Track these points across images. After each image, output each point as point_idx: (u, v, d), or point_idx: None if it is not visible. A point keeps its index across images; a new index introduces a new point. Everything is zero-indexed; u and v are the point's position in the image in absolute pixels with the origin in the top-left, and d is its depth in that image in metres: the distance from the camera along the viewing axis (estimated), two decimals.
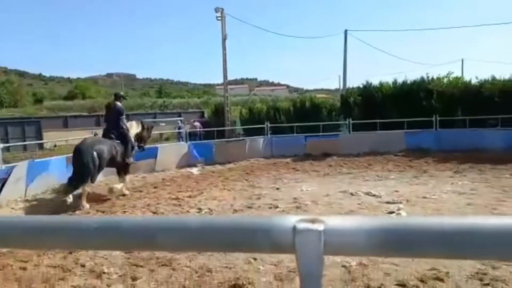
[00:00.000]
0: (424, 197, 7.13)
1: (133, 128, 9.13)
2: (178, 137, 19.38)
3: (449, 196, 7.21)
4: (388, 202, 6.83)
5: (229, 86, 22.38)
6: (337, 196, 7.65)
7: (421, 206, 6.50)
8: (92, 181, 7.65)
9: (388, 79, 16.95)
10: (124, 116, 8.76)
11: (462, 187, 8.07)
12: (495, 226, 0.45)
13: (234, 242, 0.52)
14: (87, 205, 7.38)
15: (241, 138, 16.62)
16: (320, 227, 0.48)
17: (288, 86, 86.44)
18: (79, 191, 7.46)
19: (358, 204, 6.92)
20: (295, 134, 15.76)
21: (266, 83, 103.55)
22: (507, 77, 14.46)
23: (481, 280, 3.57)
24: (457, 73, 19.06)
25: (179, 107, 39.46)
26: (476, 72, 27.15)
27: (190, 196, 8.24)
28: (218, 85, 50.04)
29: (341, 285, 3.64)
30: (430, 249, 0.44)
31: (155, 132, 13.74)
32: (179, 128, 19.85)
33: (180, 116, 27.00)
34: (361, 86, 17.88)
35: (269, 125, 15.30)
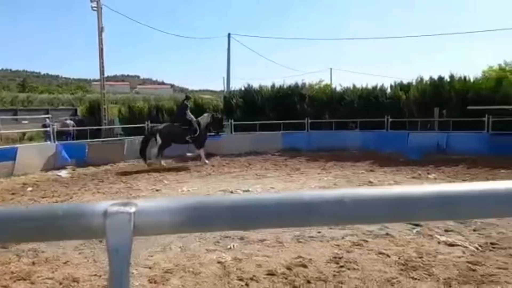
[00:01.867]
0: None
1: (204, 119, 12.61)
2: (45, 136, 17.31)
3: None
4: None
5: (108, 83, 20.97)
6: (217, 195, 7.80)
7: None
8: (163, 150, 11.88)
9: (268, 83, 18.04)
10: (188, 110, 12.60)
11: (326, 182, 9.02)
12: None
13: (43, 230, 0.49)
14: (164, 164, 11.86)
15: (120, 138, 15.70)
16: (131, 209, 0.48)
17: (173, 86, 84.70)
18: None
19: None
20: None
21: (150, 82, 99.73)
22: (364, 85, 16.65)
23: (337, 263, 4.04)
24: (327, 80, 21.25)
25: (48, 103, 35.26)
26: (342, 80, 30.64)
27: (56, 202, 7.44)
28: (95, 80, 46.23)
29: (216, 280, 3.72)
30: (220, 224, 0.49)
31: (14, 131, 12.09)
32: (46, 127, 17.74)
33: (47, 113, 24.14)
34: (242, 88, 18.56)
35: (150, 124, 14.76)
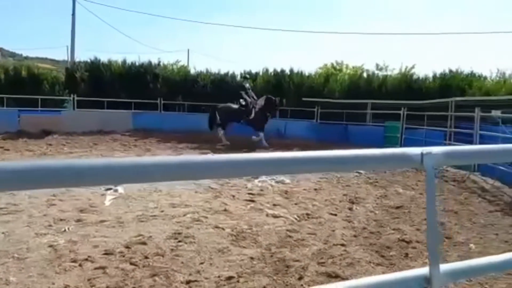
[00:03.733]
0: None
1: (260, 101, 12.61)
2: None
3: None
4: None
5: None
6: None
7: None
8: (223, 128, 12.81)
9: (122, 58, 16.86)
10: (246, 92, 12.90)
11: None
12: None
13: None
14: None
15: None
16: None
17: (1, 49, 71.24)
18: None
19: None
20: (5, 108, 13.44)
21: None
22: (217, 71, 17.26)
23: (176, 238, 4.29)
24: (184, 62, 21.18)
25: None
26: (200, 63, 30.87)
27: None
28: None
29: (45, 264, 3.53)
30: None
31: None
32: None
33: None
34: (89, 61, 17.04)
35: None
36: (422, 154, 0.91)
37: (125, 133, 14.22)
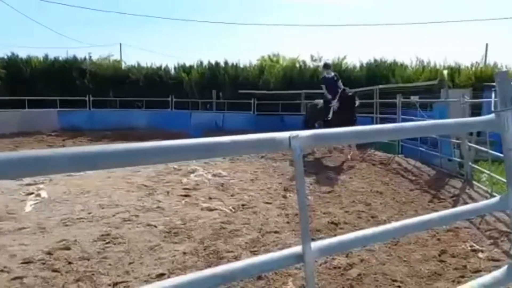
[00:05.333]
0: (69, 175, 7.24)
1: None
2: None
3: (92, 172, 7.66)
4: (28, 184, 6.47)
5: None
6: None
7: (64, 184, 6.59)
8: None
9: (50, 54, 15.59)
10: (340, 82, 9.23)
11: None
12: None
13: None
14: None
15: None
16: None
17: None
18: None
19: None
20: None
21: None
22: (149, 64, 16.67)
23: (104, 240, 4.09)
24: (117, 56, 20.15)
25: None
26: (135, 57, 29.61)
27: None
28: None
29: None
30: None
31: None
32: None
33: None
34: (5, 57, 15.61)
35: None
36: (289, 138, 0.94)
37: (51, 133, 13.29)
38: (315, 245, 1.00)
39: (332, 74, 9.40)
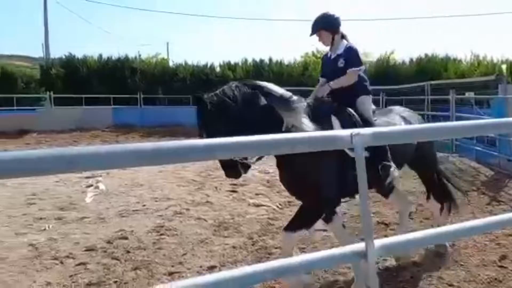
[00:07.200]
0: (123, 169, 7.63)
1: None
2: None
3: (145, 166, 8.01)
4: (87, 177, 6.89)
5: None
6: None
7: (119, 177, 6.95)
8: None
9: (102, 53, 16.46)
10: None
11: None
12: None
13: None
14: None
15: None
16: None
17: None
18: None
19: (56, 181, 6.64)
20: None
21: None
22: (195, 63, 17.09)
23: (158, 231, 4.29)
24: (164, 54, 20.88)
25: None
26: (182, 55, 30.41)
27: None
28: None
29: (26, 263, 3.50)
30: None
31: None
32: None
33: None
34: (63, 57, 16.65)
35: None
36: (351, 135, 0.96)
37: (105, 129, 14.03)
38: (377, 243, 1.01)
39: None
